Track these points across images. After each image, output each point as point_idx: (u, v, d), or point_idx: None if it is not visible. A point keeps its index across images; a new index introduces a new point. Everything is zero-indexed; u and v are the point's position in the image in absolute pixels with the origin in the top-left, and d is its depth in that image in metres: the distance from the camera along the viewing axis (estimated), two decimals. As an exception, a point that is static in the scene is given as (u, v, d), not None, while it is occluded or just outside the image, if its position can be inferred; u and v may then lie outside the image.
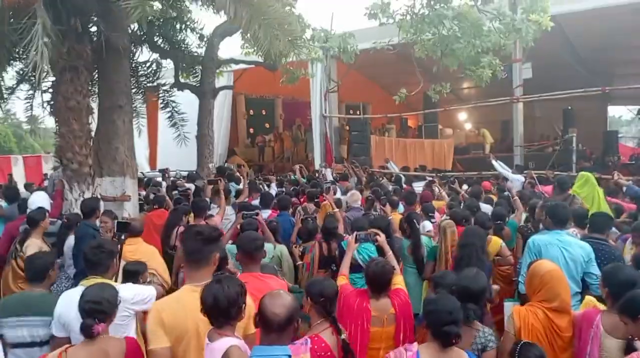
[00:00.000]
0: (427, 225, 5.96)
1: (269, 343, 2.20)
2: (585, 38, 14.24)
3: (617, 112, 28.93)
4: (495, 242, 4.96)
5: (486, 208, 6.59)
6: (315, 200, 7.10)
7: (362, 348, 3.19)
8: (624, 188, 7.10)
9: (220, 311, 2.37)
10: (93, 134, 6.96)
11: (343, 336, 2.76)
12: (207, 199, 6.87)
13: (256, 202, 7.21)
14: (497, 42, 9.08)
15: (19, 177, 17.10)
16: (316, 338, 2.79)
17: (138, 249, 4.69)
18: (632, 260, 4.00)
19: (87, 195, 6.44)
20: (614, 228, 5.44)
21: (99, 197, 6.52)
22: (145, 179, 10.33)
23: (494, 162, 10.37)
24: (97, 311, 2.56)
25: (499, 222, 5.64)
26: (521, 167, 11.80)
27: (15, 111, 37.42)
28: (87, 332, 2.52)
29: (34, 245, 4.82)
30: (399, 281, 3.52)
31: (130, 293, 3.11)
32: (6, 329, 3.11)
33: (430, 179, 9.79)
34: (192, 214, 6.00)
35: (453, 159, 16.96)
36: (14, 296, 3.63)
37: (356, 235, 4.10)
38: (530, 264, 3.30)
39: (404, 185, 9.70)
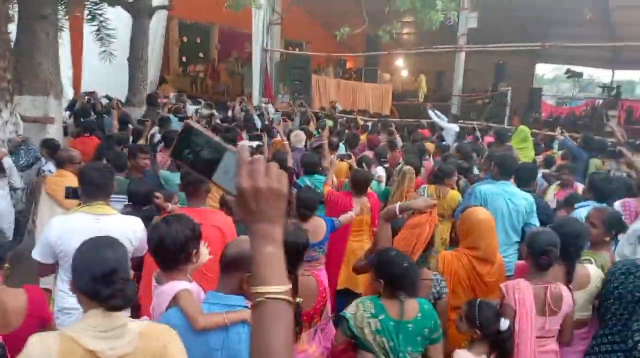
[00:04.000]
0: (378, 171, 5.96)
1: (225, 292, 1.96)
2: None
3: (541, 71, 30.27)
4: (454, 196, 5.01)
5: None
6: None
7: (347, 229, 4.34)
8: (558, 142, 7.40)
9: (167, 254, 2.19)
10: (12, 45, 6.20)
11: (299, 299, 2.46)
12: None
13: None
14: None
15: None
16: None
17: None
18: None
19: (5, 113, 5.78)
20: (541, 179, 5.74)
21: (17, 116, 5.90)
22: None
23: (430, 111, 10.53)
24: None
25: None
26: (457, 116, 12.07)
27: None
28: None
29: None
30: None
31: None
32: None
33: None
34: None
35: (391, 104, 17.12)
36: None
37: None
38: (464, 209, 3.36)
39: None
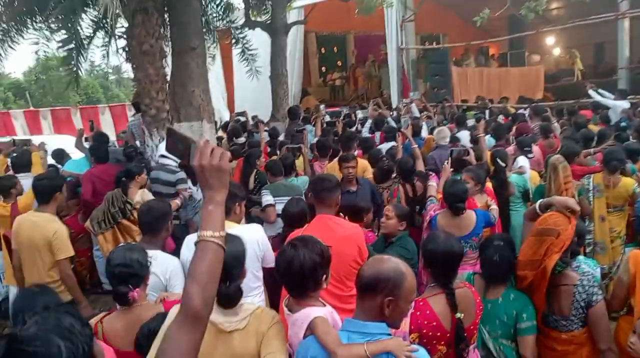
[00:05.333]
0: (520, 161, 5.42)
1: (364, 319, 1.81)
2: None
3: None
4: (628, 184, 4.36)
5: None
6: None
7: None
8: None
9: (294, 281, 2.05)
10: (168, 78, 6.86)
11: (459, 315, 2.29)
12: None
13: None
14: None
15: (108, 125, 18.03)
16: (422, 303, 2.37)
17: None
18: None
19: (168, 141, 6.40)
20: None
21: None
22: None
23: (591, 91, 9.36)
24: (130, 275, 2.31)
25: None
26: (625, 91, 10.51)
27: (99, 62, 39.25)
28: (122, 300, 2.31)
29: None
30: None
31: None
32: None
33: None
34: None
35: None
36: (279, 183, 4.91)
37: (451, 151, 4.93)
38: None
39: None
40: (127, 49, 6.99)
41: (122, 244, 2.60)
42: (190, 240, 2.99)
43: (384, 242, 3.65)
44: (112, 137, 11.61)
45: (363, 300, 1.81)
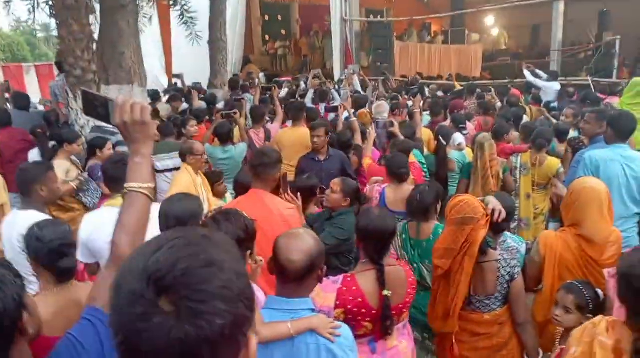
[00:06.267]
0: (457, 138, 5.52)
1: (287, 295, 1.77)
2: None
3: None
4: (553, 164, 4.52)
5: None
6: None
7: None
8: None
9: None
10: (97, 37, 6.40)
11: (386, 292, 2.26)
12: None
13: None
14: None
15: (33, 86, 16.74)
16: (349, 278, 2.33)
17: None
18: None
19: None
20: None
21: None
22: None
23: (525, 70, 9.68)
24: (69, 245, 2.13)
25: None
26: (556, 73, 10.89)
27: (26, 18, 36.44)
28: (68, 276, 2.09)
29: (61, 166, 4.32)
30: (411, 156, 4.47)
31: None
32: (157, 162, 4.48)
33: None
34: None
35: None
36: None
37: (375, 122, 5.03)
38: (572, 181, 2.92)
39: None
40: (51, 3, 6.45)
41: (42, 220, 2.33)
42: (88, 217, 2.89)
43: (328, 215, 3.55)
44: (37, 99, 10.80)
45: (302, 283, 1.76)
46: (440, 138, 5.07)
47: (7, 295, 1.20)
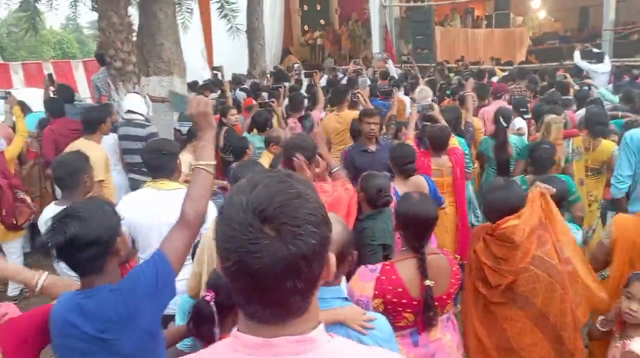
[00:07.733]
0: (517, 122, 5.25)
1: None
2: None
3: None
4: (608, 146, 4.22)
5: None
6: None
7: None
8: None
9: None
10: (136, 28, 6.47)
11: (428, 282, 2.14)
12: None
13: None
14: None
15: (81, 81, 17.21)
16: (388, 267, 2.21)
17: None
18: None
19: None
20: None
21: (146, 96, 6.16)
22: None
23: (576, 52, 9.20)
24: None
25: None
26: (602, 54, 10.07)
27: (74, 16, 37.55)
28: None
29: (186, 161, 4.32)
30: (454, 142, 4.19)
31: None
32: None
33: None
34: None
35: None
36: None
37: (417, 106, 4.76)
38: None
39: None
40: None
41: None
42: (127, 198, 3.06)
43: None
44: (86, 94, 11.08)
45: None
46: (501, 119, 4.77)
47: (110, 219, 1.67)
